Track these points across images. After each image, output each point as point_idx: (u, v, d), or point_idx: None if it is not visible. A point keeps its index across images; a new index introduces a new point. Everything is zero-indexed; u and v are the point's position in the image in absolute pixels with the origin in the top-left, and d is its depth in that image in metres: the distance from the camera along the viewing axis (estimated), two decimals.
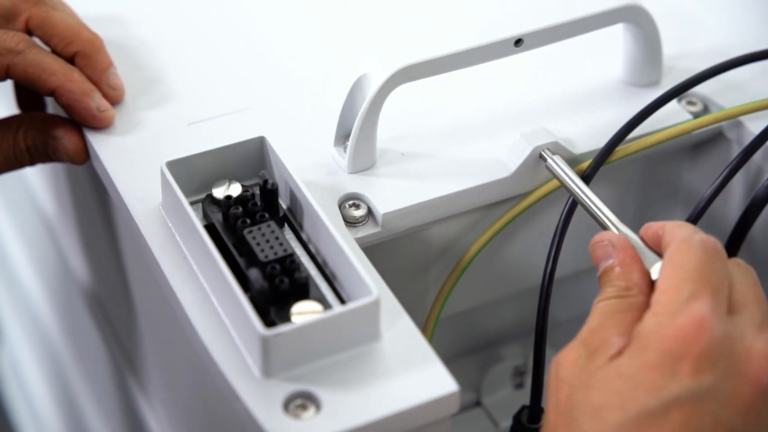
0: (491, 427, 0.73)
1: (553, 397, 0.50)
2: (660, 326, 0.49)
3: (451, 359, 0.64)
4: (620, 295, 0.52)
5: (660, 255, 0.54)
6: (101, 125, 0.64)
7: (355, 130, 0.61)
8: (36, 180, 0.93)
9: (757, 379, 0.48)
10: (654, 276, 0.53)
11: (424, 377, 0.52)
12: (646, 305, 0.51)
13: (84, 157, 0.64)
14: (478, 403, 0.74)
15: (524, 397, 0.64)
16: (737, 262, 0.52)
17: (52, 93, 0.64)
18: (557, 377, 0.50)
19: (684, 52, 0.69)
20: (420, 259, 0.64)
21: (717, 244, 0.52)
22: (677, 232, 0.52)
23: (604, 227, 0.57)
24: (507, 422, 0.72)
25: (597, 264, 0.54)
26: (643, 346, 0.49)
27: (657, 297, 0.50)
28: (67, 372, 1.09)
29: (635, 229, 0.56)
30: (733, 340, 0.49)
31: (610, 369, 0.49)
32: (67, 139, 0.64)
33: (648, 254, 0.54)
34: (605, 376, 0.49)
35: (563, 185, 0.61)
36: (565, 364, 0.50)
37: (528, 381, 0.74)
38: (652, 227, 0.54)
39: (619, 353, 0.49)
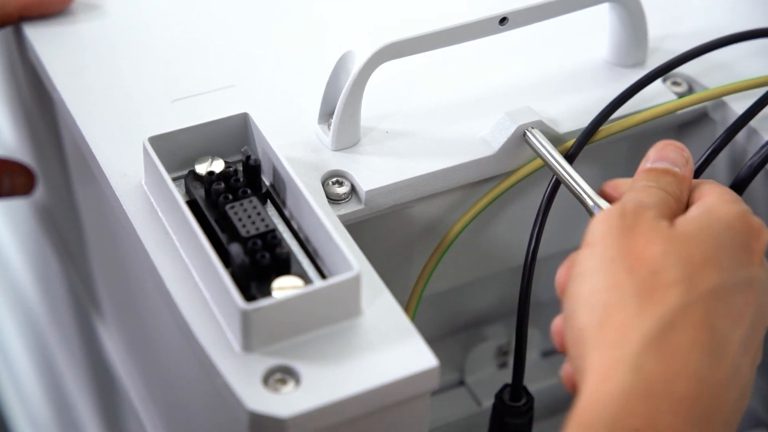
0: (474, 406, 0.73)
1: (600, 246, 0.50)
2: (725, 210, 0.50)
3: (434, 339, 0.64)
4: (668, 194, 0.52)
5: None
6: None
7: (339, 107, 0.61)
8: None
9: None
10: None
11: (404, 352, 0.52)
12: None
13: (33, 190, 0.70)
14: (461, 383, 0.74)
15: (507, 377, 0.64)
16: None
17: (20, 19, 0.67)
18: (624, 223, 0.50)
19: (669, 33, 0.69)
20: (403, 237, 0.64)
21: None
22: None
23: (586, 206, 0.57)
24: (490, 401, 0.72)
25: (656, 159, 0.54)
26: (716, 219, 0.50)
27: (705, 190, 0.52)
28: (42, 327, 1.10)
29: None
30: None
31: (695, 223, 0.50)
32: (16, 176, 0.70)
33: None
34: (689, 233, 0.49)
35: (546, 164, 0.61)
36: (644, 213, 0.50)
37: (511, 360, 0.74)
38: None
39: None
